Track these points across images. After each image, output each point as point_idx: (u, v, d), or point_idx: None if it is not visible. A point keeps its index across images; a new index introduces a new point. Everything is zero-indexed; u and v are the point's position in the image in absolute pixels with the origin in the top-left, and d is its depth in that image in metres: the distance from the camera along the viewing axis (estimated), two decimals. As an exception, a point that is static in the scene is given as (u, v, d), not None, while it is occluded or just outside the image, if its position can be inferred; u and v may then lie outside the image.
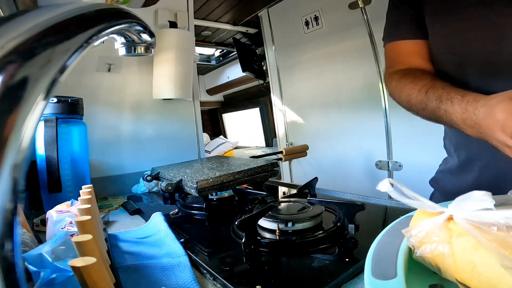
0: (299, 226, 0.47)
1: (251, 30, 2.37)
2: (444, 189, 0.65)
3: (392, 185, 0.31)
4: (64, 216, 0.50)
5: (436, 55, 0.58)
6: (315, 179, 0.70)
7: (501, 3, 0.46)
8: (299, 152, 1.10)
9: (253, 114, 3.74)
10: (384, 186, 0.31)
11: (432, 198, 0.68)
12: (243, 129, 4.15)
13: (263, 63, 2.59)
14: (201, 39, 2.51)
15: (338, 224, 0.48)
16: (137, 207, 0.73)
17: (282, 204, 0.56)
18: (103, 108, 0.97)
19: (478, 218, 0.25)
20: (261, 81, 2.74)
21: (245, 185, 0.71)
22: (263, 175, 0.71)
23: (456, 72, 0.54)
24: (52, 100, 0.71)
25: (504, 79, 0.47)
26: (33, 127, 0.16)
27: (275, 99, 2.01)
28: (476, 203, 0.26)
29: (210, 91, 4.07)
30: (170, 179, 0.68)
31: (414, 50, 0.60)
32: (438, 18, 0.54)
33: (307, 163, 1.80)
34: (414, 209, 0.34)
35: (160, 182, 0.69)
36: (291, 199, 0.62)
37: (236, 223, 0.47)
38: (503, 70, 0.47)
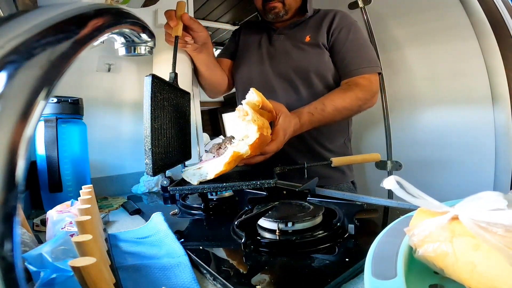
0: (299, 226, 0.47)
1: (251, 30, 2.36)
2: None
3: (397, 183, 0.30)
4: (64, 216, 0.50)
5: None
6: (315, 179, 0.70)
7: (269, 64, 0.99)
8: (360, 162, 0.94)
9: (253, 114, 3.74)
10: (389, 183, 0.30)
11: None
12: (243, 129, 4.15)
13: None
14: (201, 39, 2.50)
15: (338, 224, 0.48)
16: (137, 207, 0.73)
17: (282, 204, 0.56)
18: (103, 108, 0.97)
19: (488, 218, 0.25)
20: (261, 81, 2.74)
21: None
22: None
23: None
24: (52, 100, 0.71)
25: None
26: (33, 127, 0.16)
27: (275, 99, 2.00)
28: (487, 203, 0.26)
29: (210, 91, 4.06)
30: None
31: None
32: (236, 67, 1.09)
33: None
34: (414, 209, 0.34)
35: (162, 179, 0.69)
36: (291, 199, 0.62)
37: (236, 223, 0.47)
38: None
